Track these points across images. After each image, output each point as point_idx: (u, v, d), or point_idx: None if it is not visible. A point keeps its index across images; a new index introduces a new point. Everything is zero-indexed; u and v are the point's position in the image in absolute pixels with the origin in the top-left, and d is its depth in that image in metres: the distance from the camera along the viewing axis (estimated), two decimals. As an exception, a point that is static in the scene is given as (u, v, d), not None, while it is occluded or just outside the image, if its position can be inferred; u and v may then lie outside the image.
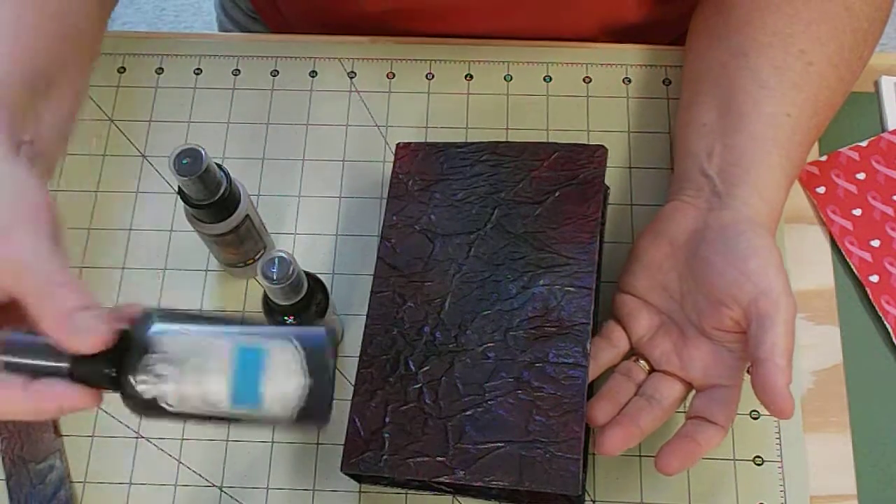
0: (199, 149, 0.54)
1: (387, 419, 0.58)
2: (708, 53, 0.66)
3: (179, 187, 0.56)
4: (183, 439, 0.63)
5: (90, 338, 0.41)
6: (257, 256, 0.65)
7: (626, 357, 0.61)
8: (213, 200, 0.57)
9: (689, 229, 0.59)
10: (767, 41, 0.62)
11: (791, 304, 0.53)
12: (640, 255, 0.61)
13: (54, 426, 0.63)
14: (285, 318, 0.57)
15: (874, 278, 0.66)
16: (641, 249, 0.61)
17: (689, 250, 0.58)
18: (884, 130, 0.71)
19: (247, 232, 0.61)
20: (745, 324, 0.54)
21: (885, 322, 0.65)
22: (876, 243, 0.67)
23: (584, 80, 0.74)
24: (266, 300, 0.57)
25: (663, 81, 0.73)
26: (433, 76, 0.74)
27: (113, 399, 0.64)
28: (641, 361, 0.59)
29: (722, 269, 0.55)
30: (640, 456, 0.62)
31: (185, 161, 0.54)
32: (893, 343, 0.65)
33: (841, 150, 0.70)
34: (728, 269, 0.55)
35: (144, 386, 0.42)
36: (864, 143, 0.70)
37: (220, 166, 0.57)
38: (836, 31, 0.62)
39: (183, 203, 0.58)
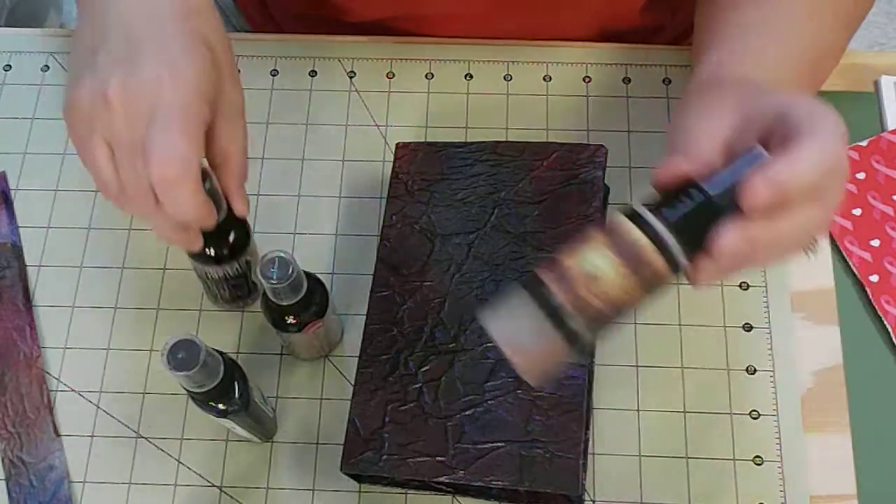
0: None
1: (386, 419, 0.58)
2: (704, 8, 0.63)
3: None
4: (183, 439, 0.63)
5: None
6: None
7: None
8: None
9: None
10: None
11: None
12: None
13: (54, 426, 0.63)
14: (286, 317, 0.57)
15: (874, 278, 0.66)
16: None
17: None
18: (884, 130, 0.71)
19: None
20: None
21: (885, 322, 0.65)
22: (876, 243, 0.67)
23: (583, 79, 0.74)
24: (266, 300, 0.57)
25: (663, 81, 0.73)
26: (433, 76, 0.74)
27: (113, 399, 0.64)
28: None
29: None
30: (640, 456, 0.62)
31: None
32: (893, 343, 0.65)
33: (841, 149, 0.70)
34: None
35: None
36: (864, 143, 0.70)
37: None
38: None
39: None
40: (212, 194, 0.52)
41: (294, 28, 0.82)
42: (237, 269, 0.60)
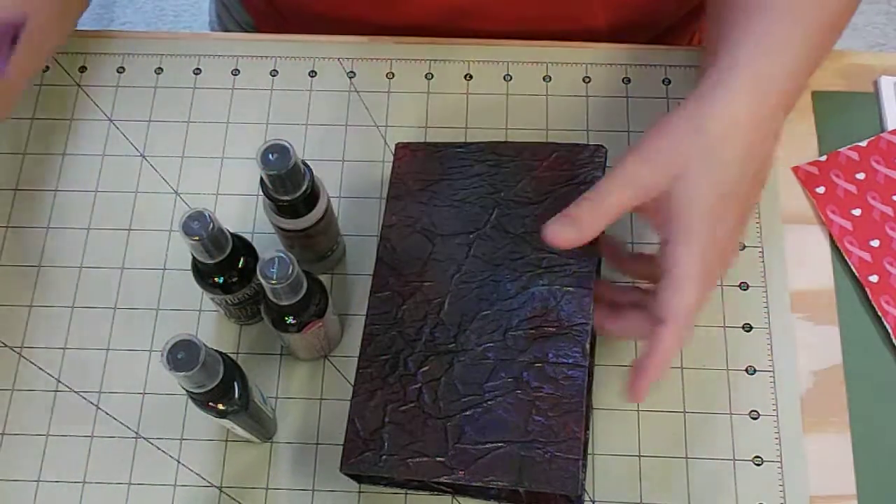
0: (286, 144, 0.54)
1: (386, 419, 0.58)
2: None
3: (263, 183, 0.56)
4: (182, 439, 0.63)
5: None
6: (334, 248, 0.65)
7: None
8: (297, 195, 0.57)
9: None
10: None
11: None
12: None
13: None
14: (285, 317, 0.57)
15: (874, 278, 0.66)
16: None
17: None
18: (883, 130, 0.71)
19: (327, 225, 0.62)
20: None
21: (885, 322, 0.65)
22: (875, 243, 0.67)
23: (583, 79, 0.73)
24: (266, 300, 0.57)
25: (663, 81, 0.73)
26: (433, 76, 0.74)
27: (112, 399, 0.64)
28: None
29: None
30: (639, 456, 0.62)
31: (272, 156, 0.54)
32: (893, 343, 0.65)
33: (840, 150, 0.70)
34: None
35: None
36: (863, 143, 0.70)
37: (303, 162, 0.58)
38: None
39: (266, 200, 0.58)
40: (217, 234, 0.53)
41: (295, 22, 0.82)
42: (246, 295, 0.61)
